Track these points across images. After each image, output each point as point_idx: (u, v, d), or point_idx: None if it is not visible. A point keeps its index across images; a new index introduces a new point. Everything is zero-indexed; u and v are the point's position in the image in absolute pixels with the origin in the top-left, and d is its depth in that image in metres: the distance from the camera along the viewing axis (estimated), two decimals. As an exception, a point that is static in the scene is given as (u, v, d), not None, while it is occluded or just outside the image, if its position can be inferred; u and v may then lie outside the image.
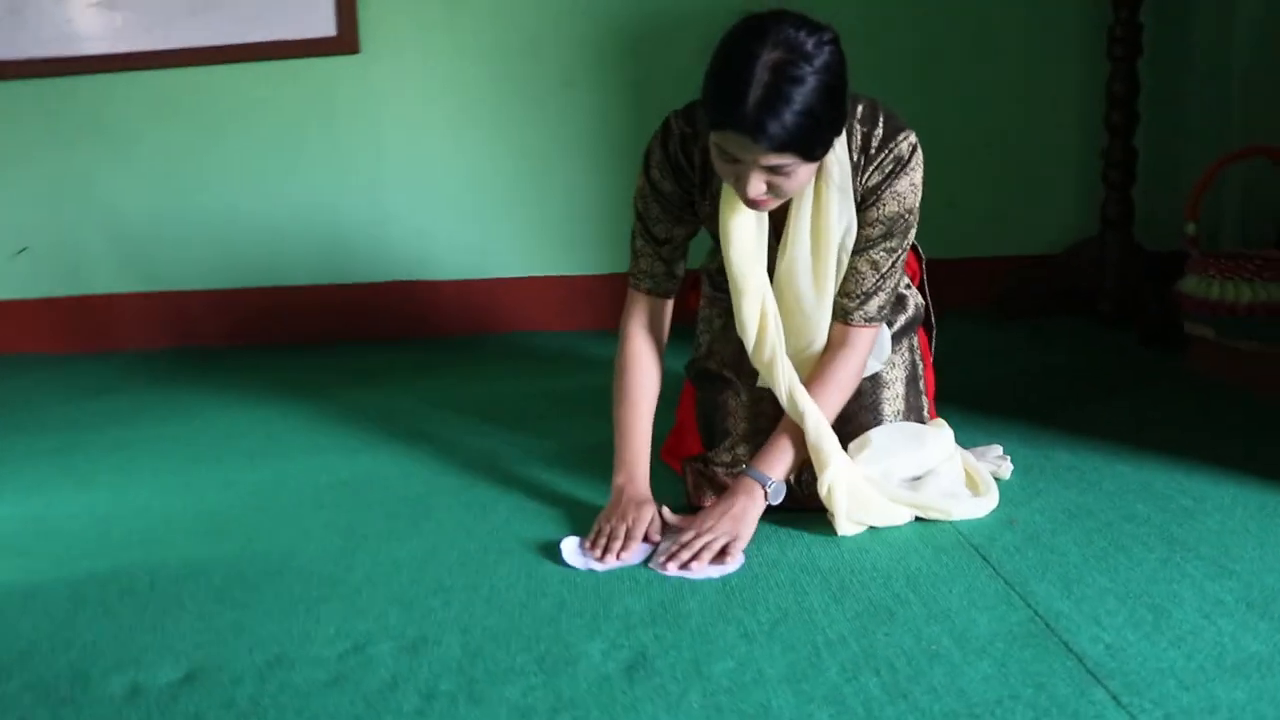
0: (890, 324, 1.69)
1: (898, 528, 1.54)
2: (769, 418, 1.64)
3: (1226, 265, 2.72)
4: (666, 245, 1.66)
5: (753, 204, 1.44)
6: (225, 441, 2.19)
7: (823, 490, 1.52)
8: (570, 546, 1.50)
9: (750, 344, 1.58)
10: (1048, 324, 3.05)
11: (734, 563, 1.43)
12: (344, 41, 3.02)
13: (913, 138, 1.54)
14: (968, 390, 2.25)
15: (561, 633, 1.25)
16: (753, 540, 1.50)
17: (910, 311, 1.74)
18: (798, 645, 1.20)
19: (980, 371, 2.51)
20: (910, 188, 1.54)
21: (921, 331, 1.81)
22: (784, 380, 1.56)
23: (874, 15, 3.08)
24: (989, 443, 1.87)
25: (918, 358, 1.75)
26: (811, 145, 1.37)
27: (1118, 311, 2.98)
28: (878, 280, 1.57)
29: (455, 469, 1.94)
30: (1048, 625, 1.22)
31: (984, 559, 1.42)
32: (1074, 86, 3.19)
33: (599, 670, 1.16)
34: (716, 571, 1.40)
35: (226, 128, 3.11)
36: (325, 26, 3.02)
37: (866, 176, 1.53)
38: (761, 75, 1.32)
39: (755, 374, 1.63)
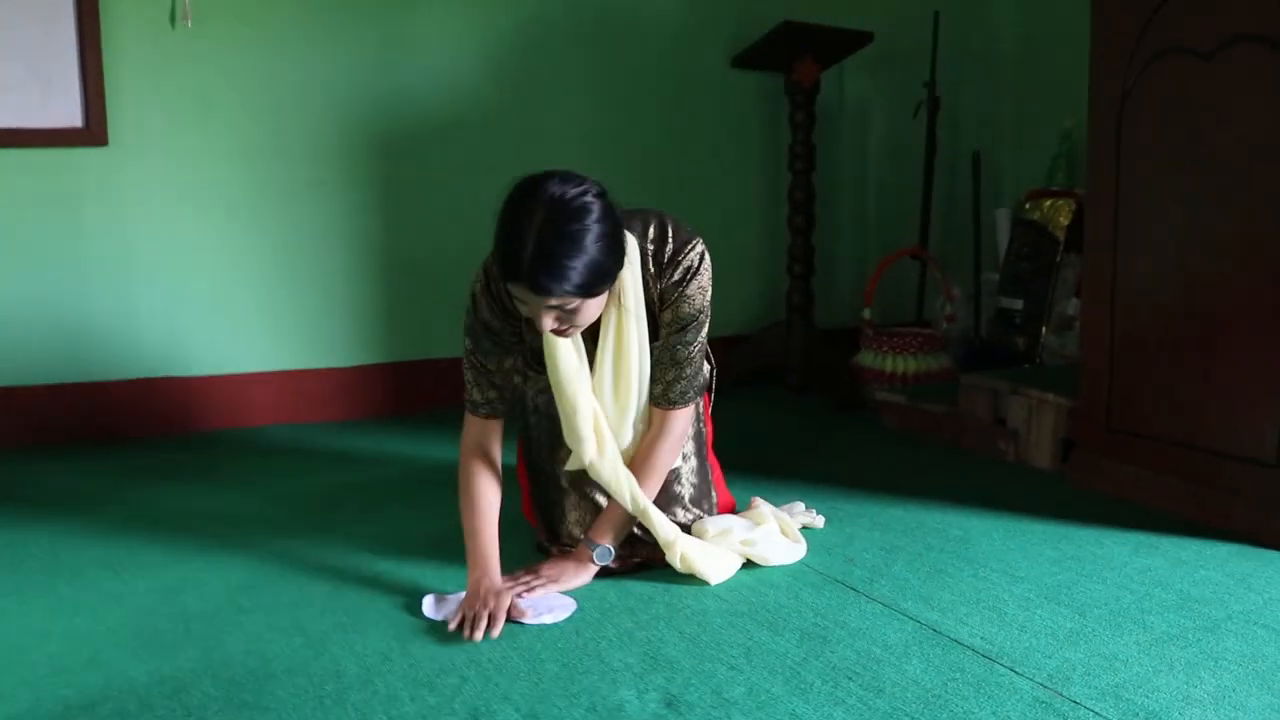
0: None
1: (769, 572, 1.93)
2: (596, 504, 1.97)
3: (895, 342, 3.43)
4: (498, 374, 1.91)
5: (556, 333, 1.75)
6: (61, 555, 2.12)
7: (676, 561, 1.88)
8: (428, 603, 1.80)
9: (588, 455, 1.87)
10: (748, 393, 3.59)
11: (561, 609, 1.76)
12: (92, 134, 2.95)
13: (700, 246, 1.89)
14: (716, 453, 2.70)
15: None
16: (696, 594, 1.82)
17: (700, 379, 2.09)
18: (778, 668, 1.55)
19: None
20: (699, 290, 1.89)
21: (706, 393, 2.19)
22: (626, 486, 1.87)
23: (600, 129, 3.52)
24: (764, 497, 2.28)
25: (700, 411, 2.13)
26: (587, 288, 1.64)
27: (802, 382, 3.60)
28: (679, 370, 1.93)
29: (305, 569, 2.05)
30: (934, 630, 1.67)
31: (854, 590, 1.85)
32: (758, 196, 3.82)
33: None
34: (549, 617, 1.73)
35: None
36: (72, 117, 2.93)
37: (662, 286, 1.88)
38: (533, 235, 1.59)
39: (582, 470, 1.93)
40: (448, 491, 2.04)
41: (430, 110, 3.33)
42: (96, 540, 2.21)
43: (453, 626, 1.69)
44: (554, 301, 1.64)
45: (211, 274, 3.16)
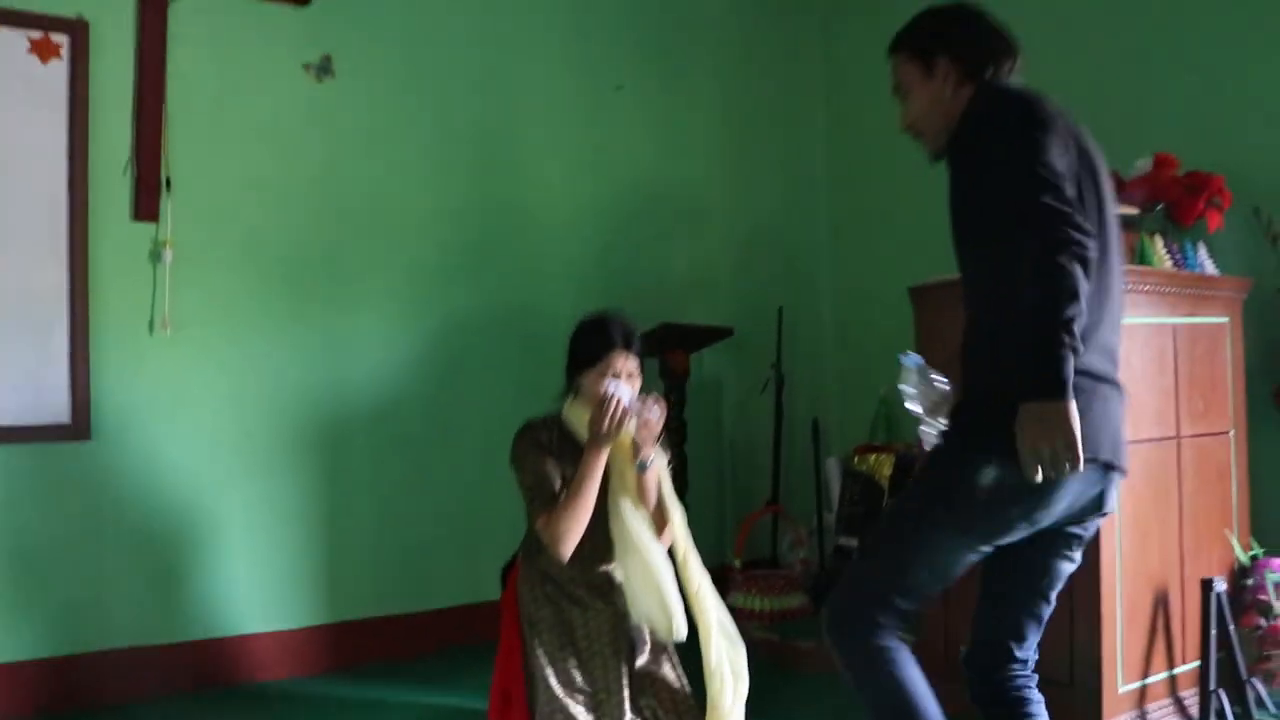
0: None
1: None
2: None
3: (761, 585, 4.11)
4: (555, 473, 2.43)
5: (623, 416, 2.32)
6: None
7: None
8: None
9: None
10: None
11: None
12: (76, 429, 3.36)
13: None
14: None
15: None
16: None
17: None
18: None
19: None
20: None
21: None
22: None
23: (518, 410, 4.15)
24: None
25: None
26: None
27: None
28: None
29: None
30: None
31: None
32: (638, 457, 4.50)
33: None
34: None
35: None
36: (60, 415, 3.35)
37: None
38: (618, 323, 2.47)
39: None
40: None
41: (366, 396, 3.90)
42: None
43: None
44: (633, 359, 2.45)
45: (178, 548, 3.54)
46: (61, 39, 3.43)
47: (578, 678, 2.38)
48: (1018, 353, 1.74)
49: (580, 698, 2.35)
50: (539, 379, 4.18)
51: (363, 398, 3.89)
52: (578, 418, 2.44)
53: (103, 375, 3.44)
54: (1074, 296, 1.69)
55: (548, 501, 2.37)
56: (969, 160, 1.92)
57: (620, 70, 4.54)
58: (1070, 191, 1.76)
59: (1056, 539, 1.97)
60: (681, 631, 2.35)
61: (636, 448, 2.40)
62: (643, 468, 2.39)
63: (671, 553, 2.42)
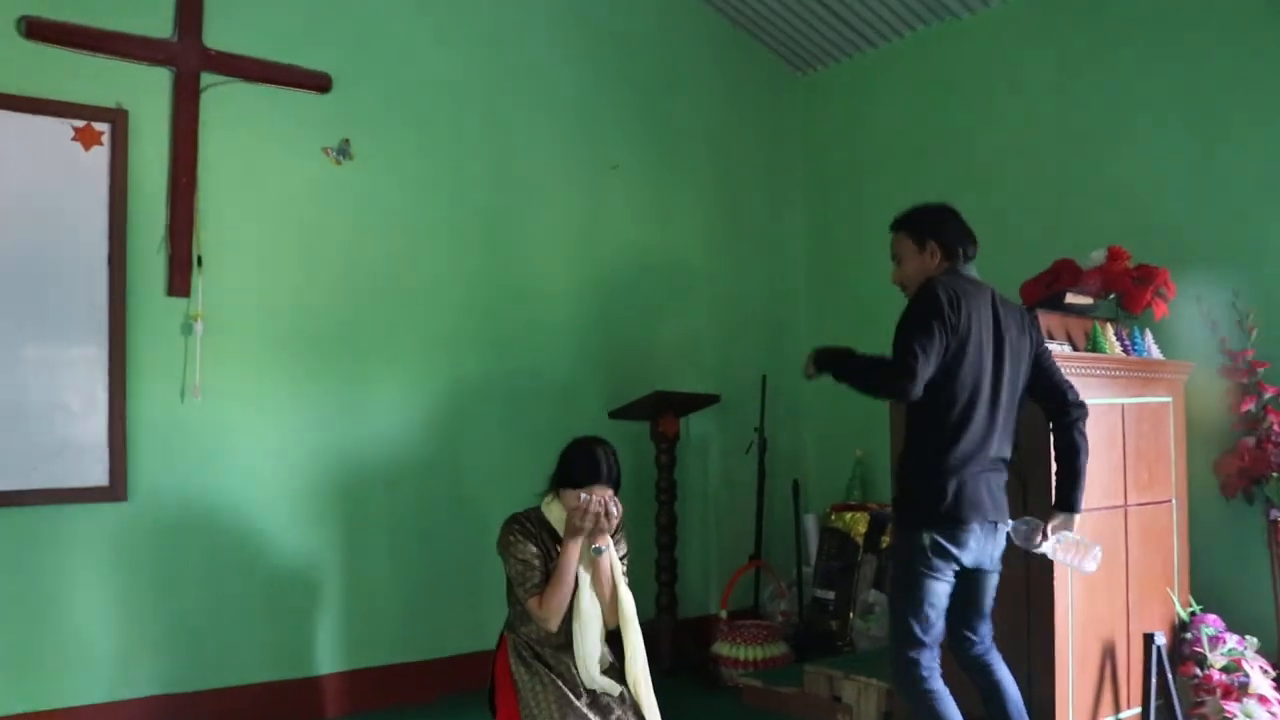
0: None
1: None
2: None
3: (745, 634, 4.38)
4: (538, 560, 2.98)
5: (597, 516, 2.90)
6: None
7: None
8: None
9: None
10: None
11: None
12: (114, 491, 3.61)
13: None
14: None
15: None
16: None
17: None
18: None
19: None
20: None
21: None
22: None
23: (511, 463, 4.43)
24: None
25: None
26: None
27: (673, 666, 4.47)
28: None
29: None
30: None
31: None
32: (633, 521, 4.77)
33: None
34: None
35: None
36: (99, 478, 3.60)
37: None
38: (603, 458, 2.97)
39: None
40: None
41: (380, 456, 4.17)
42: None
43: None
44: (610, 489, 2.96)
45: (203, 599, 3.78)
46: (103, 127, 3.71)
47: (555, 706, 2.91)
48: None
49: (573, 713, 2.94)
50: (536, 436, 4.50)
51: (377, 457, 4.16)
52: (555, 515, 3.02)
53: (138, 439, 3.70)
54: (877, 390, 2.86)
55: (533, 588, 2.95)
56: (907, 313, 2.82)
57: (617, 150, 4.89)
58: (932, 355, 2.68)
59: (981, 573, 2.86)
60: (592, 680, 2.97)
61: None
62: (598, 552, 2.98)
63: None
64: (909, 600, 2.78)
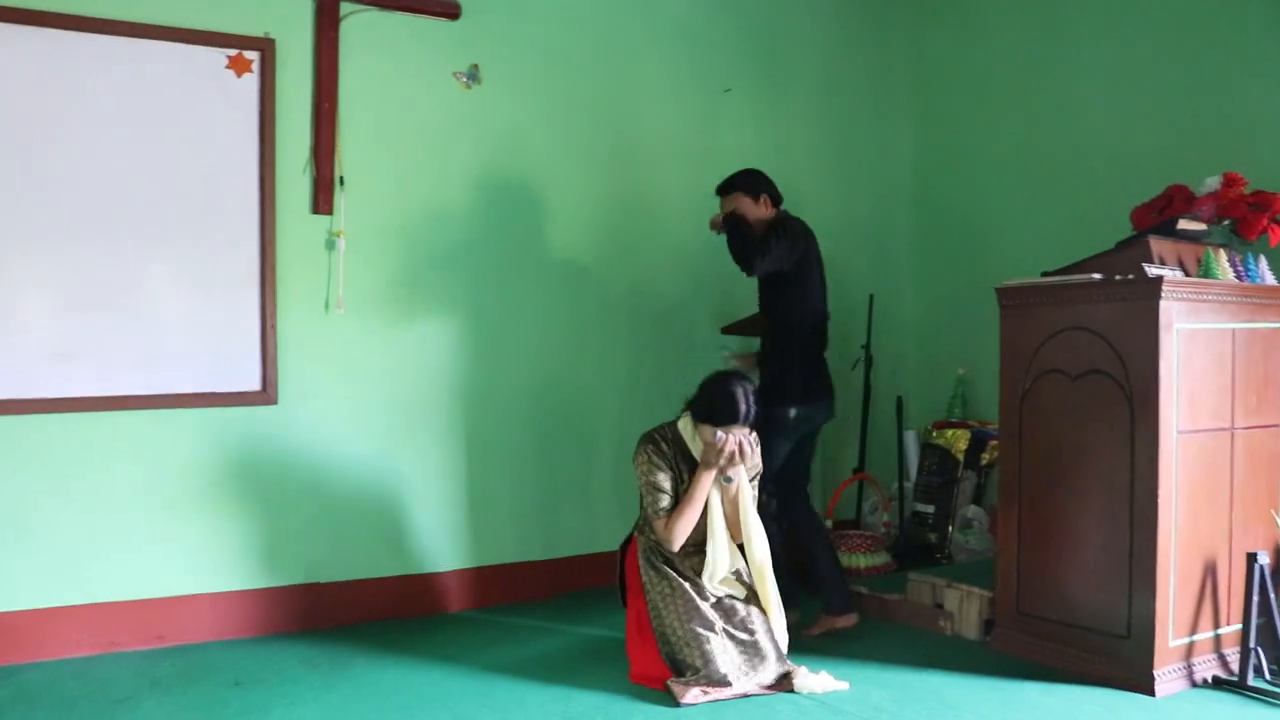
0: None
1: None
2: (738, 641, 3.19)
3: (852, 543, 4.57)
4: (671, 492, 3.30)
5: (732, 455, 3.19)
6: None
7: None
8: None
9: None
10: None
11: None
12: (266, 395, 3.92)
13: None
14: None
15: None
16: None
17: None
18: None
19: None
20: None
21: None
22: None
23: (626, 376, 4.65)
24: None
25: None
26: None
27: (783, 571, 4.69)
28: None
29: None
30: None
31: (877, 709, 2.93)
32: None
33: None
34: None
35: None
36: (251, 382, 3.91)
37: None
38: (742, 397, 3.20)
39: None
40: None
41: (503, 371, 4.42)
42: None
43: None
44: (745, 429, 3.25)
45: (350, 498, 4.11)
46: (253, 55, 3.95)
47: (681, 608, 3.16)
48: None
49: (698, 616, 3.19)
50: (650, 351, 4.70)
51: (500, 371, 4.42)
52: (689, 434, 3.31)
53: (286, 348, 4.00)
54: (734, 256, 3.88)
55: (661, 510, 3.26)
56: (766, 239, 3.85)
57: (729, 75, 4.98)
58: (785, 262, 3.87)
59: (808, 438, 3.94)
60: (715, 578, 3.29)
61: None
62: (728, 480, 3.26)
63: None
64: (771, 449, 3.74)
